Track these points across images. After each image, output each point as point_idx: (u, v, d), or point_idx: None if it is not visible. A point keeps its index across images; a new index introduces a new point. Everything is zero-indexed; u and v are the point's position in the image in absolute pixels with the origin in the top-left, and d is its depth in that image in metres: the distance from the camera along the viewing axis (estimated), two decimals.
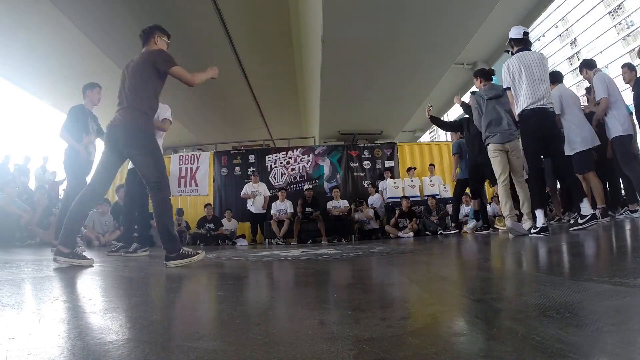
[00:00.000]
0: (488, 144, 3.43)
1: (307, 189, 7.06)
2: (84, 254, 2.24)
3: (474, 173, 4.46)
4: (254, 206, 7.16)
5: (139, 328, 0.80)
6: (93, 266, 2.15)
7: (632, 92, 3.77)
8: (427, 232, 6.52)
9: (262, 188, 7.35)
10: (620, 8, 34.58)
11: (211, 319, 0.97)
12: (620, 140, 3.62)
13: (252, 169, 8.34)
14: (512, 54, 3.07)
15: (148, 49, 2.37)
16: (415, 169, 7.88)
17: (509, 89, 3.05)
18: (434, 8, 5.43)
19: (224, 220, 7.36)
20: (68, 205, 3.55)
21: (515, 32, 3.07)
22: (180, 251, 2.18)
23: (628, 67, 3.87)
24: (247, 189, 7.31)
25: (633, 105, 3.74)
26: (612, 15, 35.29)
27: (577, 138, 3.68)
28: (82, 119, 3.44)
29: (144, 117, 2.25)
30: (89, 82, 3.65)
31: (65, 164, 3.44)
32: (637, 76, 3.79)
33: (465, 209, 6.62)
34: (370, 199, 7.43)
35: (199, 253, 2.27)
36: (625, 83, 3.92)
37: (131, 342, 0.67)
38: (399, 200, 6.88)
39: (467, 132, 4.52)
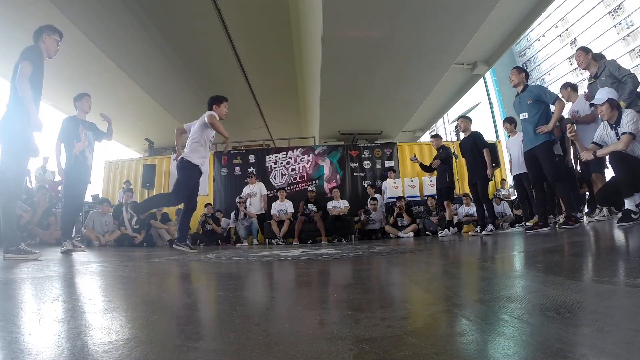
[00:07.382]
0: None
1: (310, 190, 7.18)
2: None
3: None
4: (252, 207, 7.14)
5: (139, 328, 0.80)
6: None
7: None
8: (427, 232, 6.53)
9: (258, 187, 7.31)
10: (620, 8, 34.57)
11: (211, 319, 0.97)
12: None
13: (251, 169, 8.33)
14: None
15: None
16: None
17: None
18: (434, 8, 5.43)
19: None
20: (67, 206, 3.70)
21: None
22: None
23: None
24: (245, 190, 7.30)
25: None
26: (612, 15, 35.27)
27: None
28: (74, 128, 3.69)
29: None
30: (78, 94, 3.91)
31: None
32: None
33: (465, 209, 6.63)
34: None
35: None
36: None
37: (131, 342, 0.67)
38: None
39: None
